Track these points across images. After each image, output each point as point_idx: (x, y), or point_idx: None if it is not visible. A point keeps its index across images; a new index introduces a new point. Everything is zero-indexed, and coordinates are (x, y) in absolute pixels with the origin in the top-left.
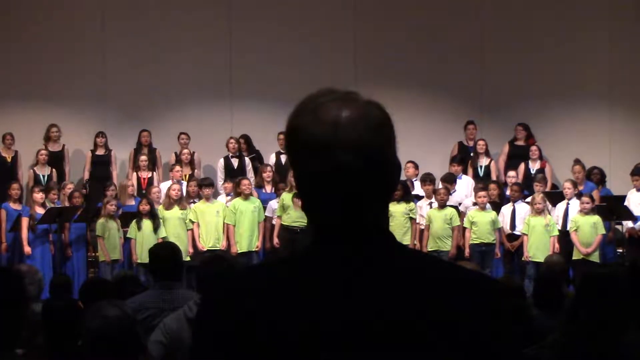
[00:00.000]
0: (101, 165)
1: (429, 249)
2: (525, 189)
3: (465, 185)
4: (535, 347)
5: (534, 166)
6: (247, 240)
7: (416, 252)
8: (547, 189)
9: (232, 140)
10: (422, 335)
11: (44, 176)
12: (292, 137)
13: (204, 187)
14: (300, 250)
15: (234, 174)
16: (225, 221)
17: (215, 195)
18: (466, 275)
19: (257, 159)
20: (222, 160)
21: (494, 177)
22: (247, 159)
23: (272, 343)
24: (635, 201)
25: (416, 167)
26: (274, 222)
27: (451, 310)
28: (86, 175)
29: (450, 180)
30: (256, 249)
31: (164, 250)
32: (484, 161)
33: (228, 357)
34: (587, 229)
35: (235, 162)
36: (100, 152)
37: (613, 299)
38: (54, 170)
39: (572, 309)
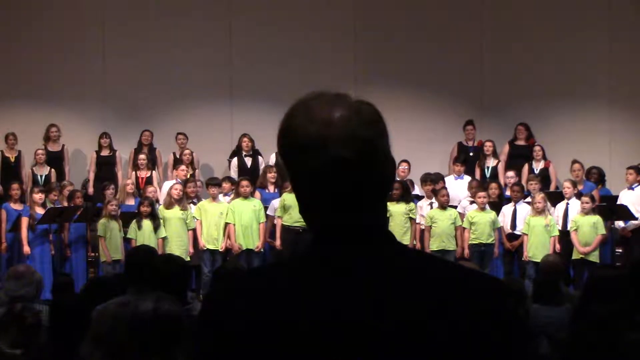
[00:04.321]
0: (106, 165)
1: (434, 249)
2: (525, 188)
3: (466, 185)
4: (542, 345)
5: (538, 166)
6: (244, 240)
7: (416, 252)
8: (552, 189)
9: (245, 139)
10: (424, 335)
11: (41, 176)
12: (285, 139)
13: (210, 187)
14: (300, 251)
15: (247, 173)
16: (225, 220)
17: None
18: (467, 275)
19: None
20: (235, 160)
21: (500, 179)
22: (260, 158)
23: (273, 344)
24: (628, 200)
25: (408, 166)
26: (275, 221)
27: (452, 309)
28: (90, 176)
29: (437, 179)
30: (256, 249)
31: (140, 254)
32: (491, 162)
33: (230, 356)
34: (587, 229)
35: (248, 162)
36: (105, 152)
37: (620, 299)
38: (52, 170)
39: (580, 309)
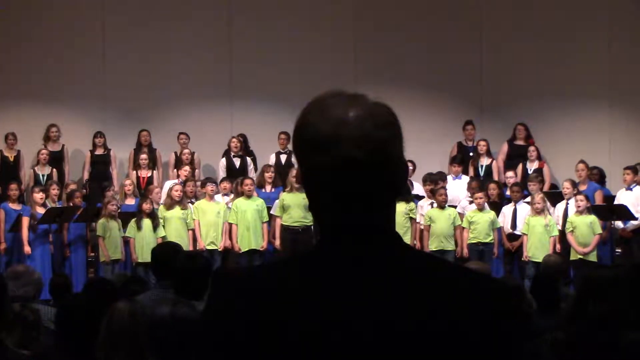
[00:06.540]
0: (101, 165)
1: (433, 249)
2: (524, 188)
3: (464, 185)
4: (536, 344)
5: (532, 166)
6: (248, 240)
7: (421, 253)
8: (546, 189)
9: (234, 140)
10: (427, 335)
11: (43, 176)
12: (299, 135)
13: (207, 185)
14: (306, 250)
15: (235, 174)
16: (228, 220)
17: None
18: (470, 276)
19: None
20: (223, 160)
21: (495, 178)
22: (248, 159)
23: (278, 343)
24: (627, 200)
25: (414, 167)
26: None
27: (456, 310)
28: (85, 175)
29: (438, 179)
30: (261, 249)
31: (166, 250)
32: (485, 161)
33: (234, 357)
34: (585, 229)
35: (237, 162)
36: (99, 151)
37: (615, 299)
38: (54, 170)
39: (575, 309)
